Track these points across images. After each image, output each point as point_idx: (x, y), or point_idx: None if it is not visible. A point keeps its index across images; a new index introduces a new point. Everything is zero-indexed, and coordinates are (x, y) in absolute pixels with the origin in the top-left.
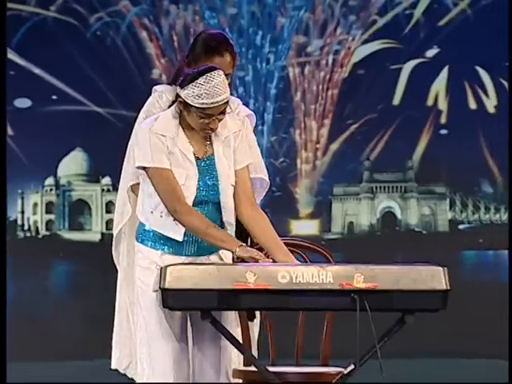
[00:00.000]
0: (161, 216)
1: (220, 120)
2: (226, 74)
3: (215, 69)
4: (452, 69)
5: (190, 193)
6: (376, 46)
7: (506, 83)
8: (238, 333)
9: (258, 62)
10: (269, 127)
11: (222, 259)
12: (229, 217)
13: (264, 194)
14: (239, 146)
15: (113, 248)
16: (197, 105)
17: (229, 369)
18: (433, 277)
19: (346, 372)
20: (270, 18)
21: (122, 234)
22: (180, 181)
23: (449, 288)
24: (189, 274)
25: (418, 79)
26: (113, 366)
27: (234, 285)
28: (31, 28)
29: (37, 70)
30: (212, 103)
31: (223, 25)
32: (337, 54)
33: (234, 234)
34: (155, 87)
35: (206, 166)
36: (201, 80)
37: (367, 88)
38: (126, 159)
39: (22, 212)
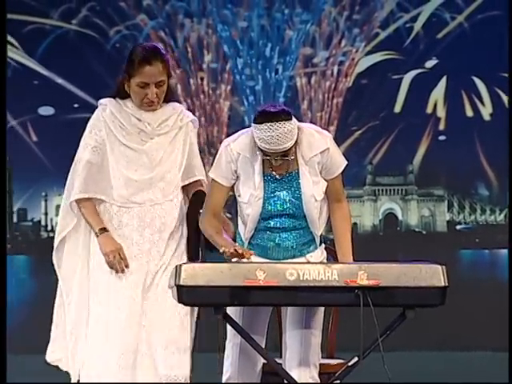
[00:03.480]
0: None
1: (284, 161)
2: (158, 82)
3: (283, 119)
4: (450, 78)
5: (254, 210)
6: (378, 57)
7: (500, 92)
8: None
9: (268, 72)
10: None
11: (308, 262)
12: (314, 227)
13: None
14: (330, 161)
15: (54, 252)
16: (258, 144)
17: (314, 358)
18: (432, 274)
19: (350, 364)
20: (278, 31)
21: (66, 240)
22: (244, 199)
23: (447, 285)
24: (202, 272)
25: (417, 88)
26: (46, 358)
27: (245, 282)
28: (54, 40)
29: (59, 80)
30: (270, 149)
31: (234, 37)
32: (341, 64)
33: (319, 244)
34: (100, 101)
35: (288, 182)
36: (264, 126)
37: (370, 97)
38: (72, 171)
39: (46, 213)
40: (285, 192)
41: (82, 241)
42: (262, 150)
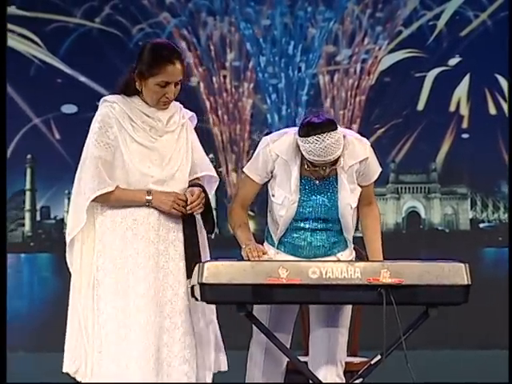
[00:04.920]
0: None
1: (331, 170)
2: (178, 81)
3: (330, 129)
4: (473, 76)
5: (288, 213)
6: (401, 55)
7: None
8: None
9: (290, 70)
10: None
11: (338, 260)
12: (347, 232)
13: (214, 188)
14: (367, 169)
15: (67, 253)
16: (307, 157)
17: (341, 357)
18: (455, 272)
19: (372, 362)
20: (301, 29)
21: (75, 240)
22: (278, 200)
23: (470, 283)
24: (225, 270)
25: (440, 86)
26: (64, 370)
27: (268, 280)
28: (77, 38)
29: (82, 78)
30: (320, 161)
31: (257, 35)
32: (364, 62)
33: (351, 248)
34: (105, 98)
35: (325, 187)
36: (312, 139)
37: (393, 95)
38: (80, 168)
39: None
40: (321, 197)
41: (91, 239)
42: (310, 162)
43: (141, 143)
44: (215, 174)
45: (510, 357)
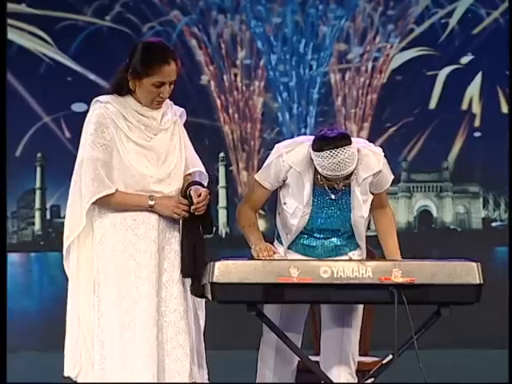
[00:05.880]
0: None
1: (344, 183)
2: (171, 82)
3: (344, 144)
4: (485, 74)
5: (300, 224)
6: (413, 53)
7: None
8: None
9: (302, 68)
10: (311, 130)
11: (350, 259)
12: (359, 240)
13: (205, 184)
14: (380, 180)
15: (64, 258)
16: (320, 171)
17: (354, 355)
18: (467, 271)
19: (384, 362)
20: (312, 26)
21: (71, 244)
22: (289, 209)
23: (482, 282)
24: (236, 269)
25: (453, 85)
26: (65, 374)
27: (278, 279)
28: (87, 37)
29: (92, 76)
30: (334, 175)
31: (268, 33)
32: (376, 60)
33: (363, 248)
34: (98, 98)
35: (337, 199)
36: (325, 153)
37: (405, 93)
38: (76, 171)
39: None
40: (333, 210)
41: (89, 243)
42: (323, 176)
43: (137, 142)
44: (205, 171)
45: (510, 356)
